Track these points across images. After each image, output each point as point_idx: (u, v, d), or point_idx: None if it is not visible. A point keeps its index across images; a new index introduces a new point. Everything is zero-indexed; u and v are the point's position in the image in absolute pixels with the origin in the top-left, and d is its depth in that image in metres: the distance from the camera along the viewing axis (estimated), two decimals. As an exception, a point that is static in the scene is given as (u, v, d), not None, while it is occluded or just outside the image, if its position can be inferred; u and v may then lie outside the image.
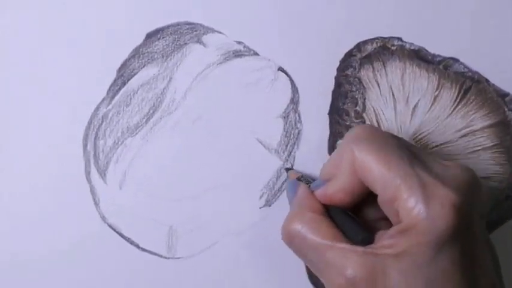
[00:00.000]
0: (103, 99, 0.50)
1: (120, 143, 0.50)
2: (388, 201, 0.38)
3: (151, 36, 0.51)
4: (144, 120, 0.50)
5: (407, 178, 0.37)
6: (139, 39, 0.51)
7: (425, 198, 0.37)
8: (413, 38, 0.51)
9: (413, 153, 0.40)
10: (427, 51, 0.51)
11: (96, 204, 0.50)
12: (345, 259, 0.37)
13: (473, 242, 0.38)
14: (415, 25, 0.52)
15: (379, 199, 0.39)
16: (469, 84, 0.51)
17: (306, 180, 0.46)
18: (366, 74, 0.51)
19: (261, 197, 0.50)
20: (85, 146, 0.50)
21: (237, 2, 0.51)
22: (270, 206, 0.50)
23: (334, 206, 0.41)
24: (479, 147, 0.51)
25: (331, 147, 0.51)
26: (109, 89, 0.50)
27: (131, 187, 0.50)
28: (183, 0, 0.51)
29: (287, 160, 0.51)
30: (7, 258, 0.49)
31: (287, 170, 0.49)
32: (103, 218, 0.50)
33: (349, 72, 0.51)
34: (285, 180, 0.50)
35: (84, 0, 0.50)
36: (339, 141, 0.51)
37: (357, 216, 0.42)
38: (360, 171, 0.39)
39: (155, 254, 0.50)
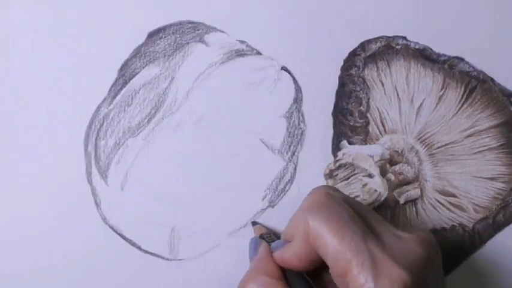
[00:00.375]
0: (104, 99, 0.50)
1: (121, 143, 0.50)
2: (340, 274, 0.38)
3: (153, 35, 0.51)
4: (146, 120, 0.50)
5: (358, 253, 0.37)
6: (141, 39, 0.51)
7: (375, 276, 0.36)
8: (418, 37, 0.51)
9: (368, 223, 0.40)
10: (432, 50, 0.51)
11: (97, 205, 0.50)
12: None
13: None
14: (419, 24, 0.52)
15: (331, 271, 0.39)
16: (475, 84, 0.51)
17: (269, 237, 0.46)
18: (370, 73, 0.51)
19: (264, 198, 0.50)
20: (86, 146, 0.50)
21: (240, 1, 0.51)
22: (273, 207, 0.50)
23: (291, 269, 0.42)
24: (484, 148, 0.51)
25: (335, 148, 0.51)
26: (110, 89, 0.50)
27: (133, 188, 0.50)
28: (185, -1, 0.51)
29: (290, 160, 0.51)
30: (7, 259, 0.49)
31: (253, 224, 0.49)
32: (104, 220, 0.50)
33: (353, 71, 0.51)
34: (289, 181, 0.50)
35: (85, -2, 0.51)
36: (343, 142, 0.51)
37: (317, 279, 0.42)
38: (313, 241, 0.39)
39: (157, 255, 0.50)
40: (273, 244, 0.44)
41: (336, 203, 0.40)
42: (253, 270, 0.43)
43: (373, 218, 0.41)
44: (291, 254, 0.41)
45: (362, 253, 0.37)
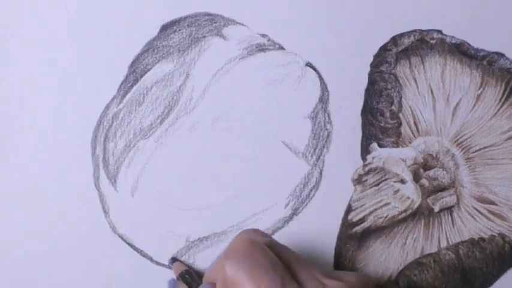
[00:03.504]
0: (113, 98, 0.50)
1: (132, 145, 0.50)
2: None
3: (166, 28, 0.51)
4: (159, 120, 0.50)
5: None
6: (153, 32, 0.51)
7: None
8: (455, 30, 0.51)
9: (292, 270, 0.42)
10: (469, 45, 0.51)
11: (106, 213, 0.49)
12: None
13: None
14: (456, 17, 0.51)
15: None
16: (516, 82, 0.51)
17: (190, 278, 0.47)
18: (402, 70, 0.51)
19: (286, 206, 0.50)
20: (93, 149, 0.50)
21: (261, -9, 0.52)
22: (297, 215, 0.50)
23: None
24: (527, 151, 0.51)
25: (364, 151, 0.50)
26: (120, 87, 0.50)
27: (144, 194, 0.50)
28: (201, -11, 0.51)
29: (315, 165, 0.50)
30: (13, 270, 0.49)
31: (172, 260, 0.49)
32: (113, 229, 0.49)
33: (384, 68, 0.51)
34: (314, 187, 0.50)
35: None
36: (373, 145, 0.50)
37: None
38: None
39: (169, 267, 0.49)
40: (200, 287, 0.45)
41: (256, 249, 0.41)
42: None
43: (298, 264, 0.42)
44: None
45: None
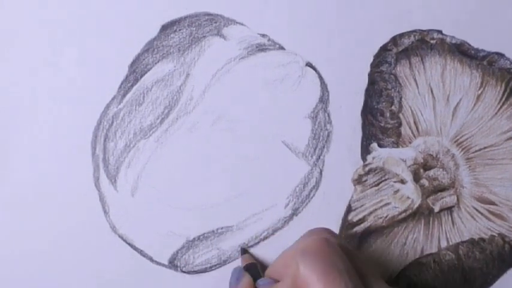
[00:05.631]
0: (113, 98, 0.50)
1: (132, 145, 0.49)
2: None
3: (166, 28, 0.51)
4: (159, 120, 0.50)
5: None
6: (153, 32, 0.51)
7: None
8: (455, 30, 0.51)
9: (363, 276, 0.40)
10: (469, 45, 0.51)
11: (106, 213, 0.49)
12: None
13: None
14: (456, 17, 0.51)
15: None
16: (516, 82, 0.51)
17: (255, 271, 0.46)
18: (402, 70, 0.51)
19: (286, 206, 0.49)
20: (93, 149, 0.50)
21: (260, -9, 0.52)
22: (297, 215, 0.50)
23: None
24: (527, 151, 0.51)
25: (364, 151, 0.50)
26: (120, 86, 0.50)
27: (144, 194, 0.49)
28: (202, -11, 0.51)
29: (315, 165, 0.50)
30: (13, 270, 0.49)
31: (242, 251, 0.49)
32: (113, 229, 0.49)
33: (384, 68, 0.51)
34: (314, 187, 0.50)
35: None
36: (373, 145, 0.50)
37: None
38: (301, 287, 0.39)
39: (170, 267, 0.49)
40: (260, 281, 0.44)
41: (332, 252, 0.40)
42: None
43: (368, 272, 0.41)
44: None
45: None
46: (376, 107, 0.50)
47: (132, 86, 0.50)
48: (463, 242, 0.49)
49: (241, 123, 0.50)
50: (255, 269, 0.46)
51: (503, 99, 0.50)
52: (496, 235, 0.49)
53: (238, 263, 0.49)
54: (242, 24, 0.50)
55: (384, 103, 0.50)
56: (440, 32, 0.51)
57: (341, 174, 0.50)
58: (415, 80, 0.50)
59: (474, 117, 0.50)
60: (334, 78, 0.50)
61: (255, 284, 0.45)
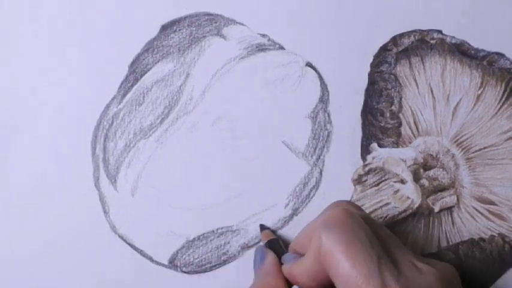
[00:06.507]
0: (113, 98, 0.50)
1: (132, 145, 0.49)
2: None
3: (166, 28, 0.51)
4: (159, 120, 0.50)
5: (371, 279, 0.37)
6: (153, 32, 0.51)
7: None
8: (455, 30, 0.51)
9: (387, 248, 0.40)
10: (469, 45, 0.51)
11: (106, 213, 0.49)
12: None
13: None
14: (456, 17, 0.51)
15: None
16: (516, 82, 0.51)
17: (277, 246, 0.46)
18: (402, 70, 0.51)
19: (286, 206, 0.49)
20: (93, 149, 0.50)
21: (260, -9, 0.51)
22: (297, 215, 0.50)
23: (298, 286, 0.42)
24: (527, 151, 0.51)
25: (364, 151, 0.50)
26: (120, 86, 0.50)
27: (144, 194, 0.49)
28: (202, -11, 0.51)
29: (315, 165, 0.50)
30: (13, 270, 0.49)
31: (261, 228, 0.49)
32: (113, 229, 0.49)
33: (384, 68, 0.50)
34: (314, 187, 0.50)
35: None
36: (373, 145, 0.50)
37: None
38: (324, 260, 0.39)
39: (170, 267, 0.49)
40: (285, 257, 0.44)
41: (355, 222, 0.40)
42: (259, 283, 0.43)
43: (393, 243, 0.41)
44: (300, 272, 0.41)
45: (374, 280, 0.37)
46: (376, 107, 0.50)
47: (132, 86, 0.50)
48: (463, 242, 0.49)
49: (241, 123, 0.50)
50: (278, 244, 0.46)
51: (503, 99, 0.50)
52: (496, 235, 0.49)
53: (238, 262, 0.49)
54: (242, 24, 0.50)
55: (384, 103, 0.50)
56: (440, 32, 0.50)
57: (341, 174, 0.49)
58: (415, 80, 0.50)
59: (474, 117, 0.50)
60: (334, 78, 0.50)
61: (280, 260, 0.44)
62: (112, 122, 0.49)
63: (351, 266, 0.37)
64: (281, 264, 0.44)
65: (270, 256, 0.45)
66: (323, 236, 0.39)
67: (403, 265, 0.39)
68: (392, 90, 0.50)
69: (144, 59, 0.50)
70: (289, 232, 0.49)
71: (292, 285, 0.42)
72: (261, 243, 0.48)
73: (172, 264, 0.49)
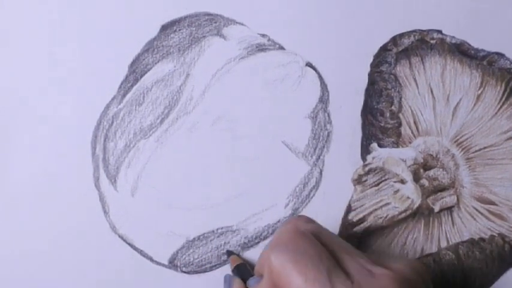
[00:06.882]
0: (113, 98, 0.50)
1: (132, 145, 0.49)
2: None
3: (166, 28, 0.51)
4: (159, 120, 0.49)
5: None
6: (153, 32, 0.51)
7: None
8: (455, 30, 0.51)
9: (338, 258, 0.40)
10: (469, 45, 0.51)
11: (106, 213, 0.49)
12: None
13: None
14: (456, 17, 0.51)
15: None
16: (516, 82, 0.51)
17: (244, 271, 0.47)
18: (402, 70, 0.51)
19: (286, 206, 0.49)
20: (93, 149, 0.49)
21: (260, -9, 0.51)
22: (297, 215, 0.49)
23: None
24: (527, 151, 0.51)
25: (364, 151, 0.50)
26: (120, 86, 0.50)
27: (144, 194, 0.49)
28: (201, -11, 0.51)
29: (315, 165, 0.50)
30: (13, 270, 0.49)
31: (228, 254, 0.49)
32: (113, 229, 0.49)
33: (384, 68, 0.50)
34: (314, 187, 0.50)
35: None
36: (373, 145, 0.50)
37: None
38: (277, 280, 0.40)
39: (170, 267, 0.49)
40: (249, 281, 0.45)
41: (302, 239, 0.41)
42: None
43: (344, 252, 0.41)
44: None
45: None
46: (376, 107, 0.50)
47: (132, 86, 0.50)
48: (463, 242, 0.49)
49: (241, 123, 0.50)
50: (245, 268, 0.47)
51: (503, 99, 0.50)
52: (496, 235, 0.49)
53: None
54: (242, 24, 0.51)
55: (384, 103, 0.50)
56: (440, 32, 0.51)
57: (341, 174, 0.49)
58: (415, 80, 0.50)
59: (474, 117, 0.50)
60: (334, 78, 0.50)
61: (246, 284, 0.45)
62: (112, 122, 0.49)
63: (302, 283, 0.38)
64: None
65: (236, 283, 0.46)
66: (272, 257, 0.40)
67: (355, 273, 0.39)
68: (392, 90, 0.50)
69: (144, 59, 0.50)
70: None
71: None
72: (229, 272, 0.48)
73: (172, 264, 0.49)
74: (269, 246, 0.41)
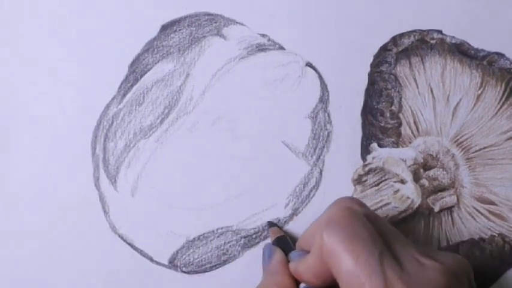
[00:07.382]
0: (113, 98, 0.50)
1: (132, 145, 0.49)
2: None
3: (166, 28, 0.51)
4: (159, 120, 0.49)
5: (373, 277, 0.37)
6: (153, 32, 0.51)
7: None
8: (455, 30, 0.51)
9: (390, 244, 0.40)
10: (469, 45, 0.51)
11: (106, 213, 0.49)
12: None
13: None
14: (456, 17, 0.51)
15: None
16: (516, 82, 0.51)
17: (285, 243, 0.46)
18: (402, 70, 0.51)
19: (286, 206, 0.49)
20: (93, 149, 0.49)
21: (260, -9, 0.51)
22: (297, 215, 0.49)
23: (305, 283, 0.42)
24: (527, 151, 0.51)
25: (364, 151, 0.50)
26: (120, 86, 0.50)
27: (144, 194, 0.49)
28: (201, -11, 0.51)
29: (315, 165, 0.49)
30: (13, 270, 0.49)
31: (269, 225, 0.48)
32: (113, 229, 0.49)
33: (384, 68, 0.50)
34: (314, 187, 0.49)
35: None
36: (373, 145, 0.50)
37: None
38: (327, 258, 0.39)
39: (170, 267, 0.49)
40: (291, 254, 0.44)
41: (357, 220, 0.40)
42: (266, 282, 0.44)
43: (396, 239, 0.41)
44: (305, 269, 0.41)
45: (376, 277, 0.37)
46: (376, 107, 0.50)
47: (132, 86, 0.50)
48: (463, 242, 0.49)
49: (241, 123, 0.49)
50: (285, 241, 0.46)
51: (503, 99, 0.50)
52: (496, 235, 0.49)
53: (238, 262, 0.48)
54: (242, 24, 0.50)
55: (384, 103, 0.50)
56: (440, 32, 0.50)
57: (341, 174, 0.49)
58: (415, 80, 0.50)
59: (474, 117, 0.50)
60: (334, 78, 0.50)
61: (287, 257, 0.44)
62: (112, 122, 0.49)
63: (352, 264, 0.37)
64: (288, 261, 0.44)
65: (277, 254, 0.45)
66: (325, 235, 0.39)
67: (406, 261, 0.38)
68: (392, 90, 0.50)
69: (144, 59, 0.50)
70: (290, 232, 0.49)
71: (300, 282, 0.42)
72: (269, 241, 0.48)
73: (172, 264, 0.48)
74: (321, 223, 0.40)
